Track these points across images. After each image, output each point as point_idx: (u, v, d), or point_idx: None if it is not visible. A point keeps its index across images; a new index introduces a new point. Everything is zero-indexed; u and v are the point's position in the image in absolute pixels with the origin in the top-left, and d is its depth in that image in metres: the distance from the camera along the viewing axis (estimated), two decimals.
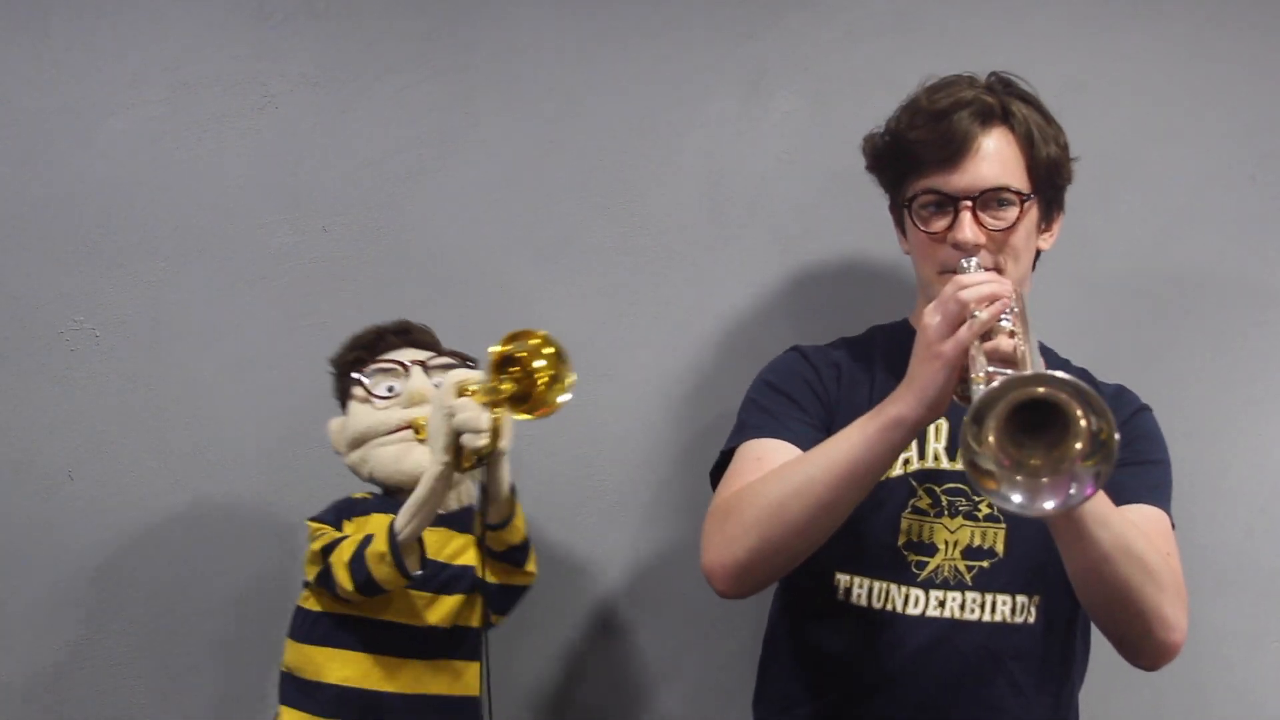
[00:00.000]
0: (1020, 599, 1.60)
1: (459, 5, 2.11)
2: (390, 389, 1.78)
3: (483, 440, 1.55)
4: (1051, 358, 1.71)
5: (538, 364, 1.54)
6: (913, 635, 1.58)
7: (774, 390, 1.67)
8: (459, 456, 1.59)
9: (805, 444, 1.58)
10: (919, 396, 1.41)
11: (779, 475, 1.51)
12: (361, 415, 1.78)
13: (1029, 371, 1.29)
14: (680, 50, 2.11)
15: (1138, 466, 1.61)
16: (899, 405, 1.43)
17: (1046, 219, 1.66)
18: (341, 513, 1.79)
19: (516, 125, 2.11)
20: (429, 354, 1.82)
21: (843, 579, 1.62)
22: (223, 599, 2.06)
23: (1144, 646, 1.51)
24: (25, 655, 2.04)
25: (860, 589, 1.61)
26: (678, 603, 2.08)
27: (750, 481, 1.54)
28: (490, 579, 1.73)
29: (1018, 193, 1.59)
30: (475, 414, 1.56)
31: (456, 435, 1.57)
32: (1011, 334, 1.38)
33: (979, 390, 1.30)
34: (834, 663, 1.63)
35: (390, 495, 1.79)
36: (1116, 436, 1.23)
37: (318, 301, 2.07)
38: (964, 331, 1.38)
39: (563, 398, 1.55)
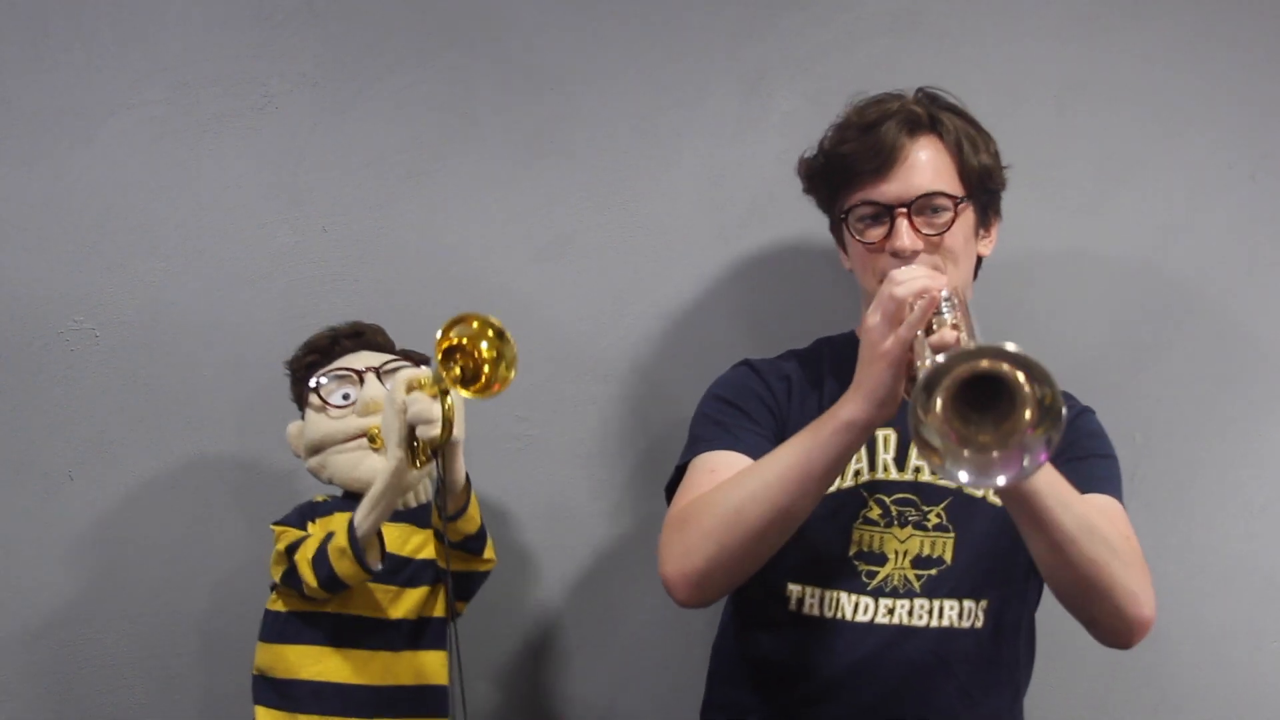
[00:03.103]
0: (968, 604, 1.61)
1: (459, 5, 2.11)
2: (346, 396, 1.80)
3: (436, 430, 1.57)
4: None
5: (483, 345, 1.54)
6: (861, 642, 1.59)
7: (725, 403, 1.69)
8: (414, 451, 1.61)
9: (757, 455, 1.59)
10: (868, 398, 1.43)
11: (735, 483, 1.52)
12: (318, 423, 1.81)
13: (974, 345, 1.31)
14: (680, 50, 2.11)
15: (1087, 460, 1.62)
16: (850, 408, 1.45)
17: (984, 224, 1.69)
18: (305, 515, 1.81)
19: (516, 126, 2.11)
20: (384, 357, 1.84)
21: (795, 590, 1.63)
22: (223, 600, 2.05)
23: (1117, 625, 1.52)
24: (24, 655, 2.04)
25: (812, 599, 1.62)
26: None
27: (705, 491, 1.55)
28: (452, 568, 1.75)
29: (951, 196, 1.60)
30: (426, 405, 1.57)
31: (411, 430, 1.59)
32: (954, 325, 1.39)
33: (929, 364, 1.31)
34: (783, 670, 1.63)
35: (350, 498, 1.81)
36: (1063, 408, 1.25)
37: (318, 301, 2.06)
38: (904, 329, 1.39)
39: (513, 372, 1.53)
